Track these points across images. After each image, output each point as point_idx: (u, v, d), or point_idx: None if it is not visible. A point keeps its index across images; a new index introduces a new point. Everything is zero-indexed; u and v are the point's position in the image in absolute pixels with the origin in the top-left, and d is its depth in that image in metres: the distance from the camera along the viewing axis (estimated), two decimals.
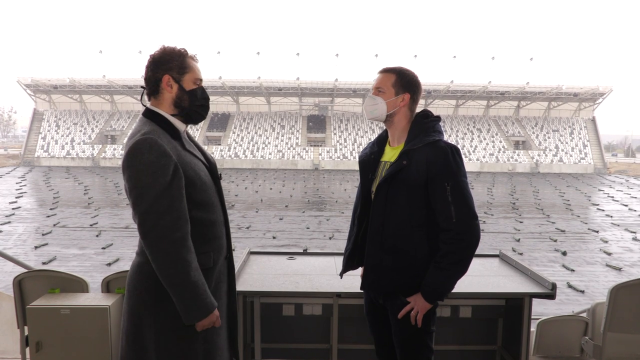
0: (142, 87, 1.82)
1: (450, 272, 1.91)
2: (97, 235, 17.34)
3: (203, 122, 50.04)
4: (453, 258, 1.90)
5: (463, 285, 2.47)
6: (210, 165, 1.88)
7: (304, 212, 23.16)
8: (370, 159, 2.15)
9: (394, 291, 2.02)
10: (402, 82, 2.03)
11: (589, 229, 20.15)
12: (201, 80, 1.83)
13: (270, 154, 47.53)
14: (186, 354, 1.73)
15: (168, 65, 1.75)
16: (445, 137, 2.03)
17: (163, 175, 1.62)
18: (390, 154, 2.09)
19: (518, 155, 47.93)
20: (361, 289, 2.13)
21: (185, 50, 1.80)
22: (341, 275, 2.28)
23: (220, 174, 1.92)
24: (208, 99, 1.87)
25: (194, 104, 1.80)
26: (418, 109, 2.11)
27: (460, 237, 1.89)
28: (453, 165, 1.92)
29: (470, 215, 1.91)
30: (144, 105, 1.81)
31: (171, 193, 1.63)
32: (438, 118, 2.07)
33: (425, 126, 2.01)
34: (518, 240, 17.53)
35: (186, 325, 1.71)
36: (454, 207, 1.89)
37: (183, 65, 1.77)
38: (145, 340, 1.70)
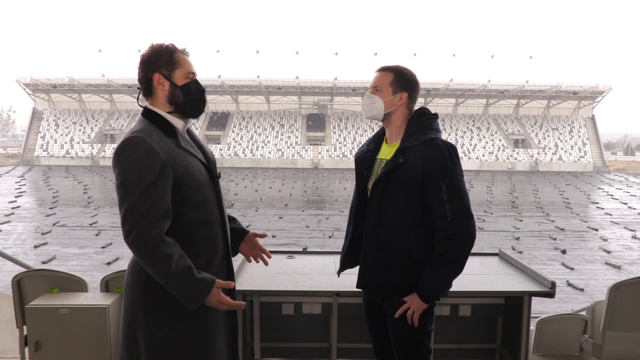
0: (138, 87, 1.81)
1: (445, 272, 1.91)
2: (96, 235, 17.34)
3: (202, 121, 50.67)
4: (448, 258, 1.89)
5: (462, 283, 2.47)
6: (209, 163, 1.86)
7: (303, 210, 23.17)
8: (366, 156, 2.13)
9: (390, 290, 2.01)
10: (400, 80, 2.02)
11: (588, 227, 20.17)
12: (194, 73, 1.80)
13: (269, 152, 47.51)
14: (178, 352, 1.71)
15: (157, 64, 1.73)
16: (445, 136, 2.02)
17: (149, 174, 1.61)
18: (387, 152, 2.07)
19: (517, 153, 47.93)
20: (357, 287, 2.13)
21: (174, 45, 1.77)
22: (338, 273, 2.27)
23: (219, 173, 1.90)
24: (203, 91, 1.84)
25: (189, 98, 1.78)
26: (416, 107, 2.10)
27: (455, 237, 1.88)
28: (449, 163, 1.90)
29: (465, 215, 1.90)
30: (141, 106, 1.80)
31: (156, 192, 1.62)
32: (435, 116, 2.06)
33: (422, 124, 2.00)
34: (517, 239, 17.54)
35: (180, 324, 1.70)
36: (449, 206, 1.88)
37: (172, 61, 1.74)
38: (138, 339, 1.71)
